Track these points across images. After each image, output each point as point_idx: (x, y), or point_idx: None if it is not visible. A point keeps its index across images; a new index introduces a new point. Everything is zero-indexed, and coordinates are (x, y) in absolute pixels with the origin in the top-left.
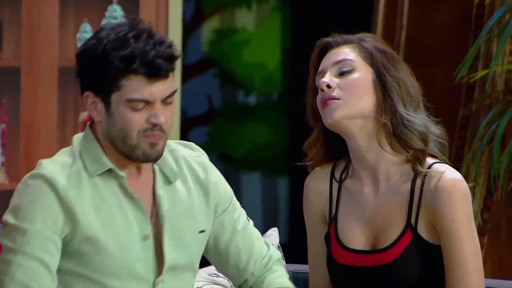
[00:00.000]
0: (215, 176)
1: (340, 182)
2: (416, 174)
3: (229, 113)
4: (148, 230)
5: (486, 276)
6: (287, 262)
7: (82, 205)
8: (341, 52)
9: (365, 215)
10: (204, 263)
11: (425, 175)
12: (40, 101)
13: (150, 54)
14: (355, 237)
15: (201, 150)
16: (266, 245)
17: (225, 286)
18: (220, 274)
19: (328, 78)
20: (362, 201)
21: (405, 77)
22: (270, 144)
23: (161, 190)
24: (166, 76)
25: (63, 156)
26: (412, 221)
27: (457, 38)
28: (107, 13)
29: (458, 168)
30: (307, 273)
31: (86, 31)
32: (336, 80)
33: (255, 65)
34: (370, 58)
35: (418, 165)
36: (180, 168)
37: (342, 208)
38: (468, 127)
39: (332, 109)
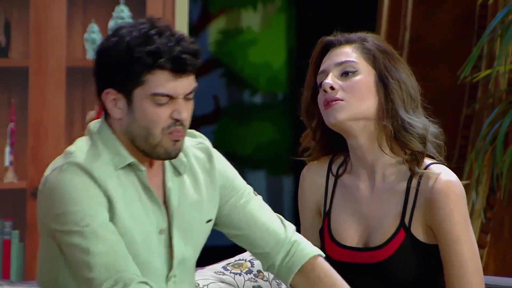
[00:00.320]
0: (219, 162)
1: (337, 177)
2: (412, 174)
3: (235, 112)
4: (164, 224)
5: (489, 274)
6: None
7: (116, 196)
8: (344, 53)
9: (359, 210)
10: (210, 261)
11: (421, 176)
12: (48, 100)
13: (176, 50)
14: (348, 233)
15: (202, 135)
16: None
17: (231, 284)
18: (226, 272)
19: (331, 79)
20: (357, 196)
21: (405, 78)
22: (275, 143)
23: (170, 182)
24: (191, 72)
25: (86, 147)
26: (406, 220)
27: (460, 38)
28: (114, 14)
29: (461, 168)
30: None
31: (93, 31)
32: (339, 81)
33: (261, 65)
34: (372, 59)
35: (416, 166)
36: (189, 159)
37: (336, 202)
38: (471, 126)
39: (335, 110)
